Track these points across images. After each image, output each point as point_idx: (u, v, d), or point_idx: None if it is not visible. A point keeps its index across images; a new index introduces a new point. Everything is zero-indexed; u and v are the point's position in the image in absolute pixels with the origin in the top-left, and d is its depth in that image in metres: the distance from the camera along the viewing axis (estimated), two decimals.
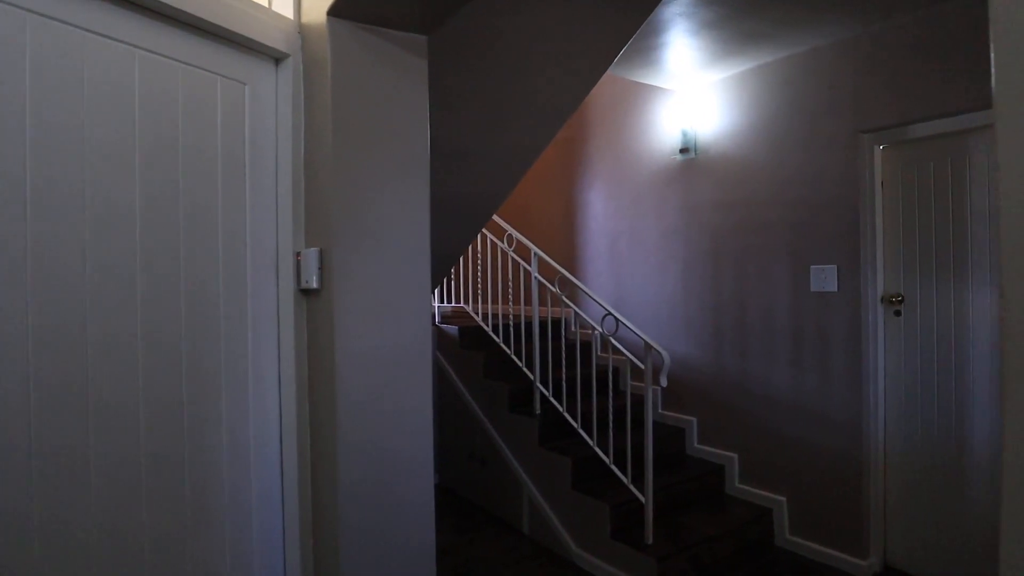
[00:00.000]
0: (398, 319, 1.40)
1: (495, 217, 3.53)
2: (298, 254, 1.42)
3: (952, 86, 2.32)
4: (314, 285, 1.36)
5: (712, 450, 3.27)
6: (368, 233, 1.36)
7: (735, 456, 3.15)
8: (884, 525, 2.66)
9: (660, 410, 3.55)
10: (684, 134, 3.30)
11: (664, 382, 2.58)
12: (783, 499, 2.92)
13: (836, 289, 2.71)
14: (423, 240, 1.45)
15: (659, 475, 2.98)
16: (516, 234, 3.42)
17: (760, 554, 2.83)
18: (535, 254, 3.28)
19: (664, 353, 2.57)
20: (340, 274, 1.32)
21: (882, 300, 2.65)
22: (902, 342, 2.61)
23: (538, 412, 3.19)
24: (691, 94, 3.32)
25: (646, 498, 2.56)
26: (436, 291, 4.03)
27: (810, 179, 2.80)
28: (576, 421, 2.97)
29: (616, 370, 3.73)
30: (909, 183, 2.56)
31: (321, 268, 1.36)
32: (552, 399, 3.11)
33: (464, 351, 3.67)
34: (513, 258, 3.52)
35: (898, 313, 2.62)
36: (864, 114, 2.59)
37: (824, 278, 2.75)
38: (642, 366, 2.63)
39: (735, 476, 3.15)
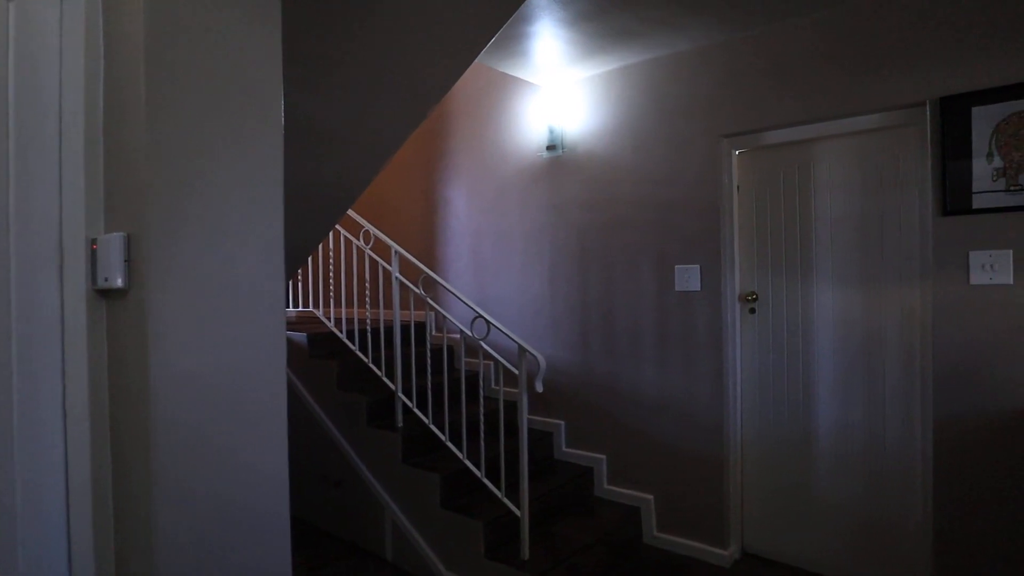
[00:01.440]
0: (242, 329, 1.07)
1: (350, 212, 3.19)
2: (93, 242, 1.04)
3: (799, 98, 2.47)
4: (118, 284, 1.00)
5: (581, 453, 3.22)
6: (198, 215, 1.02)
7: (603, 457, 3.13)
8: (742, 514, 2.78)
9: (528, 415, 3.44)
10: (551, 131, 3.22)
11: (540, 387, 2.45)
12: (650, 497, 2.94)
13: (699, 288, 2.78)
14: (275, 227, 1.14)
15: (531, 483, 2.86)
16: (375, 231, 3.11)
17: (630, 554, 2.82)
18: (396, 252, 3.00)
19: (540, 357, 2.44)
20: (158, 269, 0.97)
21: (739, 299, 2.77)
22: (756, 339, 2.73)
23: (401, 425, 2.91)
24: (559, 90, 3.25)
25: (522, 511, 2.41)
26: None
27: (674, 181, 2.85)
28: (444, 433, 2.75)
29: (483, 376, 3.55)
30: (762, 187, 2.69)
31: (128, 261, 1.00)
32: (416, 410, 2.85)
33: (315, 361, 3.28)
34: (371, 257, 3.20)
35: (753, 311, 2.74)
36: (722, 119, 2.68)
37: (688, 278, 2.81)
38: (515, 371, 2.48)
39: (604, 478, 3.12)
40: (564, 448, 3.29)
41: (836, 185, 2.47)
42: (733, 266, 2.75)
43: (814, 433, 2.56)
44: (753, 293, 2.73)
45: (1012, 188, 2.00)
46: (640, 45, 2.74)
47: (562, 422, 3.30)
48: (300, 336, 3.35)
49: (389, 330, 3.42)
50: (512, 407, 3.37)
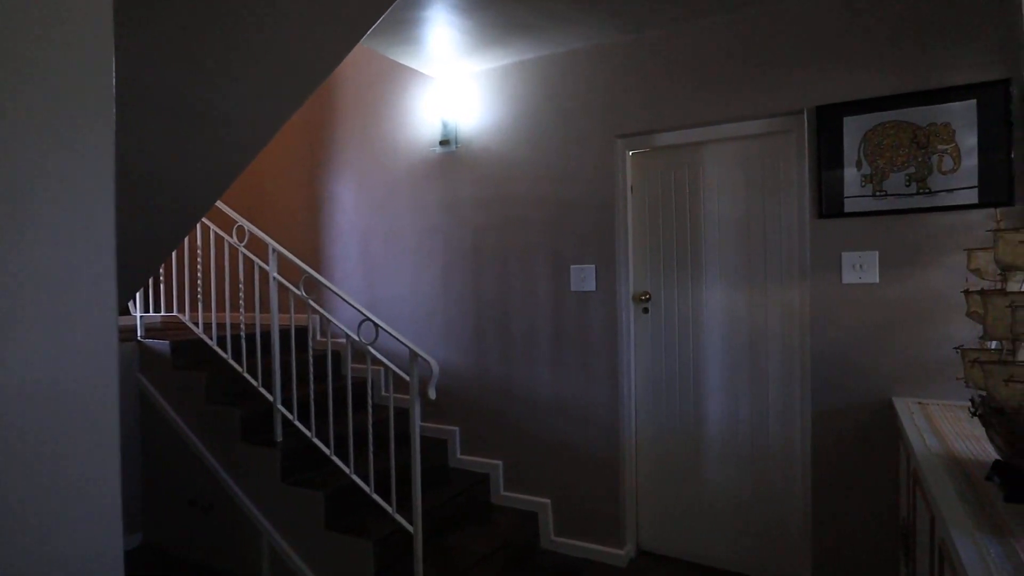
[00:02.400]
0: (54, 339, 0.85)
1: (222, 206, 2.87)
2: None
3: (689, 101, 2.51)
4: None
5: (477, 459, 3.11)
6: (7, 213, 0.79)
7: (500, 463, 3.04)
8: (637, 514, 2.80)
9: (421, 422, 3.28)
10: (445, 125, 3.09)
11: (433, 394, 2.31)
12: (547, 501, 2.89)
13: (595, 288, 2.77)
14: (102, 224, 0.92)
15: (425, 494, 2.71)
16: (250, 227, 2.82)
17: (527, 560, 2.75)
18: (274, 250, 2.74)
19: (433, 362, 2.30)
20: None
21: (633, 299, 2.78)
22: (650, 338, 2.76)
23: (280, 440, 2.66)
24: (453, 83, 3.12)
25: (415, 527, 2.25)
26: (138, 297, 3.16)
27: (570, 180, 2.82)
28: (329, 446, 2.53)
29: (372, 382, 3.34)
30: (655, 188, 2.72)
31: None
32: (298, 423, 2.61)
33: (179, 372, 2.92)
34: (246, 255, 2.90)
35: (646, 311, 2.77)
36: (617, 120, 2.68)
37: (584, 278, 2.79)
38: (406, 377, 2.33)
39: (501, 484, 3.03)
40: (459, 455, 3.17)
41: (723, 188, 2.55)
42: (627, 266, 2.77)
43: (705, 430, 2.63)
44: (646, 293, 2.76)
45: (878, 193, 2.14)
46: (536, 40, 2.68)
47: (457, 428, 3.18)
48: (162, 345, 2.97)
49: (267, 336, 3.12)
50: (404, 415, 3.19)
